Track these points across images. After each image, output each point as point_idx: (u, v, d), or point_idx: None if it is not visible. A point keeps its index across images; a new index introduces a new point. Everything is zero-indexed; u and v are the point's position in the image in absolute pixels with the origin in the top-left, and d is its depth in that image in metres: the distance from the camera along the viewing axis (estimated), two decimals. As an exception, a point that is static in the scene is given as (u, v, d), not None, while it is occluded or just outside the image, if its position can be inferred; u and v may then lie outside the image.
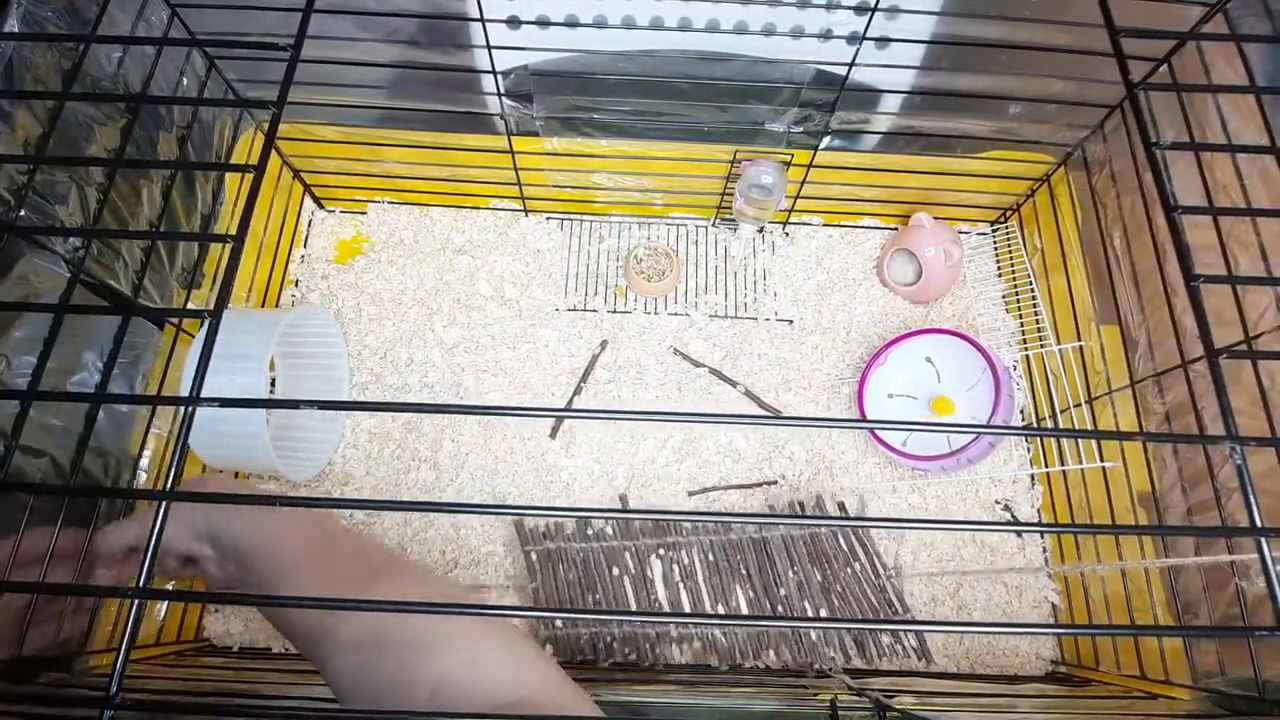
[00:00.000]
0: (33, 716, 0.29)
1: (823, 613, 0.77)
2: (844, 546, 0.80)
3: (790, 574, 0.78)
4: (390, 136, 0.88)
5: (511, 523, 0.81)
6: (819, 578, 0.79)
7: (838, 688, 0.66)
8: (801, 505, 0.83)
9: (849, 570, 0.79)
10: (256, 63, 0.76)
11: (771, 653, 0.76)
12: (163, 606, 0.74)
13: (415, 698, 0.36)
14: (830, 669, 0.75)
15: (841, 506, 0.84)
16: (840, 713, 0.53)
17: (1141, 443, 0.73)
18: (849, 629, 0.77)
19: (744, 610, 0.76)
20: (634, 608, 0.76)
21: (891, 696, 0.60)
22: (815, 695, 0.63)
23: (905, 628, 0.81)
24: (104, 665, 0.63)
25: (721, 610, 0.76)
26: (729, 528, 0.81)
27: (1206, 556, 0.61)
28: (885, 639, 0.76)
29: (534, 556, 0.79)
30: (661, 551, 0.79)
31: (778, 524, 0.78)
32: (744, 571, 0.79)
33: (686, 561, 0.79)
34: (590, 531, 0.81)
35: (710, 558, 0.79)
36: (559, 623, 0.75)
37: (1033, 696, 0.72)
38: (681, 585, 0.78)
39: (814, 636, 0.75)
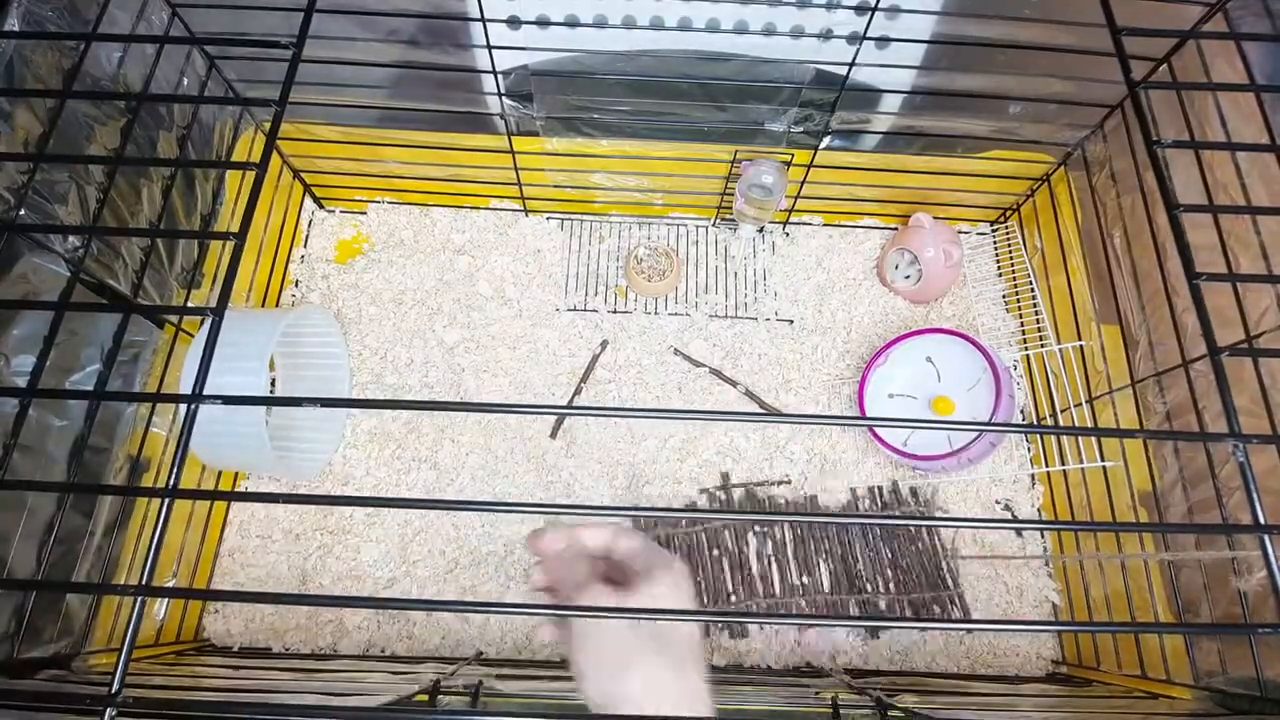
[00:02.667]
0: (35, 714, 0.29)
1: (891, 586, 0.82)
2: (911, 530, 0.86)
3: (867, 550, 0.84)
4: (390, 136, 0.88)
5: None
6: (888, 555, 0.83)
7: (839, 687, 0.65)
8: (880, 491, 0.87)
9: (914, 548, 0.84)
10: (256, 63, 0.76)
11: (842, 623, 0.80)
12: (163, 606, 0.74)
13: None
14: (831, 669, 0.75)
15: (915, 493, 0.87)
16: (842, 712, 0.53)
17: (1142, 442, 0.73)
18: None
19: (825, 581, 0.82)
20: (729, 587, 0.81)
21: (893, 696, 0.60)
22: (817, 694, 0.63)
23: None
24: (104, 664, 0.63)
25: (806, 582, 0.82)
26: (816, 509, 0.86)
27: (1208, 551, 0.61)
28: (936, 609, 0.81)
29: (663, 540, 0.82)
30: (757, 528, 0.84)
31: (859, 503, 0.87)
32: (826, 547, 0.84)
33: (778, 537, 0.84)
34: (682, 523, 0.84)
35: (799, 531, 0.84)
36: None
37: (1034, 696, 0.71)
38: (772, 559, 0.83)
39: (882, 605, 0.81)
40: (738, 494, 0.86)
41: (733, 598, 0.81)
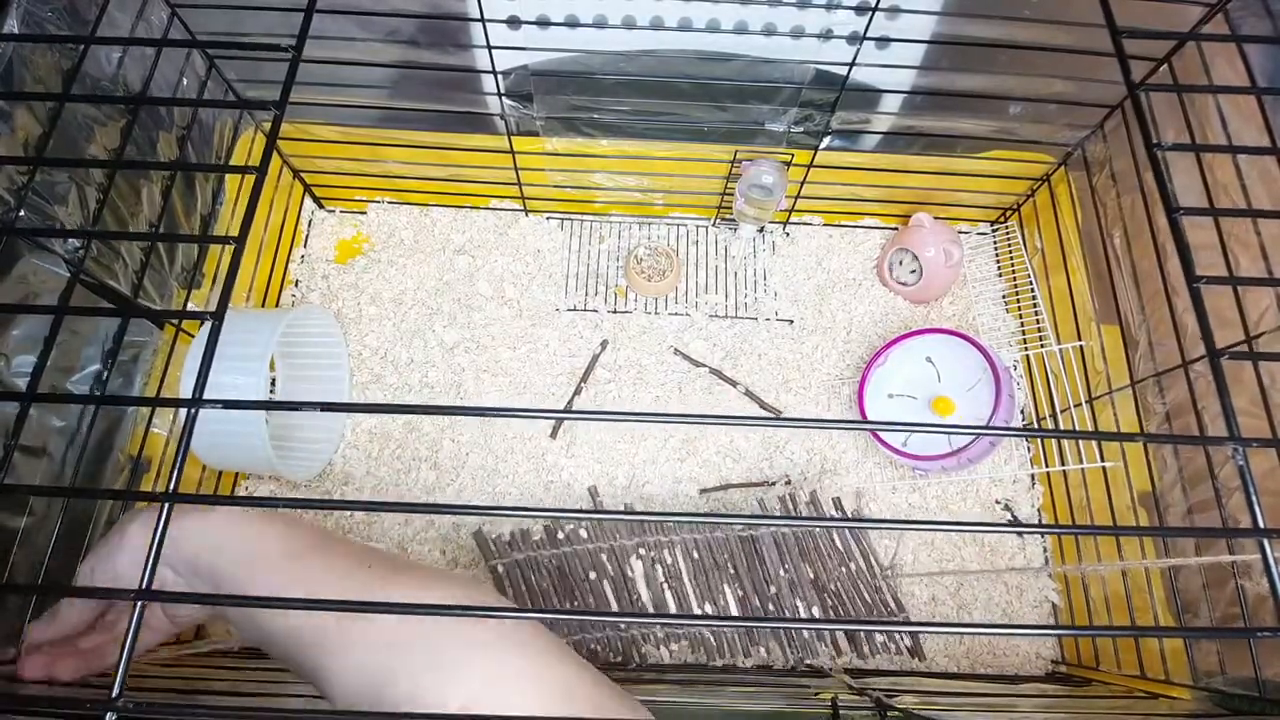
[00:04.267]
0: (35, 717, 0.29)
1: (815, 611, 0.76)
2: (839, 546, 0.78)
3: (781, 572, 0.76)
4: (390, 136, 0.88)
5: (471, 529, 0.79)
6: (811, 575, 0.77)
7: (838, 687, 0.66)
8: (793, 500, 0.81)
9: (844, 569, 0.77)
10: (256, 63, 0.76)
11: (762, 650, 0.75)
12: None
13: None
14: (831, 669, 0.75)
15: (838, 503, 0.82)
16: (841, 712, 0.53)
17: (1142, 443, 0.73)
18: (842, 629, 0.77)
19: (733, 610, 0.75)
20: (615, 610, 0.74)
21: (893, 696, 0.60)
22: (816, 695, 0.63)
23: (905, 629, 0.81)
24: (104, 666, 0.63)
25: (710, 610, 0.75)
26: (714, 526, 0.78)
27: (1207, 557, 0.61)
28: (879, 637, 0.75)
29: (501, 570, 0.76)
30: (642, 551, 0.77)
31: (770, 523, 0.78)
32: (732, 570, 0.77)
33: (670, 561, 0.77)
34: (561, 535, 0.78)
35: (695, 556, 0.77)
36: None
37: (1033, 696, 0.72)
38: (665, 586, 0.76)
39: (806, 634, 0.74)
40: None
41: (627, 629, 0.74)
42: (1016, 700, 0.69)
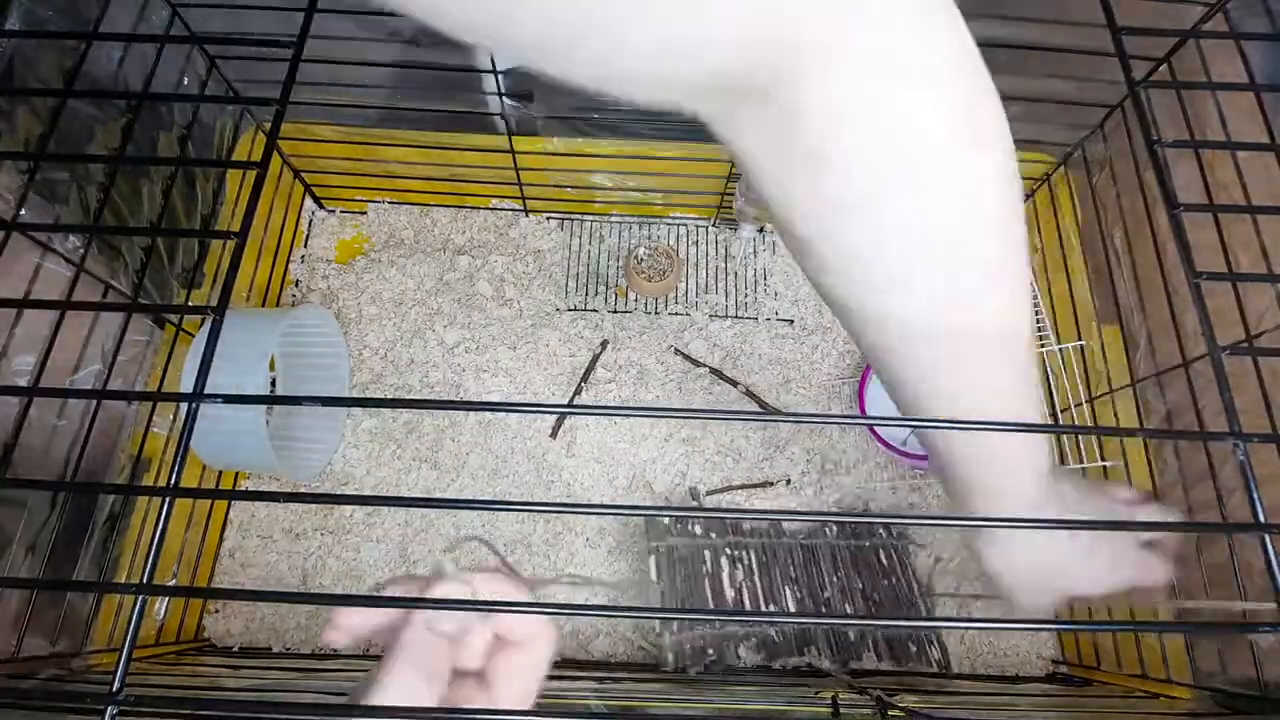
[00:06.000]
0: (36, 713, 0.29)
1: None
2: (884, 561, 0.80)
3: (834, 578, 0.79)
4: (390, 136, 0.88)
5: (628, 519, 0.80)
6: (860, 585, 0.79)
7: (839, 686, 0.66)
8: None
9: (887, 583, 0.79)
10: (257, 63, 0.76)
11: (814, 648, 0.76)
12: (163, 606, 0.74)
13: None
14: (831, 669, 0.75)
15: (887, 528, 0.84)
16: (842, 711, 0.53)
17: (1143, 441, 0.73)
18: (852, 626, 0.77)
19: (791, 608, 0.77)
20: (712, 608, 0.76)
21: (893, 695, 0.60)
22: (817, 694, 0.63)
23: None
24: (104, 664, 0.63)
25: (773, 609, 0.77)
26: (780, 532, 0.81)
27: (1217, 601, 0.61)
28: (912, 647, 0.76)
29: (662, 550, 0.77)
30: (728, 550, 0.79)
31: (826, 529, 0.82)
32: (792, 573, 0.79)
33: (746, 562, 0.79)
34: (687, 527, 0.79)
35: (764, 558, 0.80)
36: (674, 625, 0.73)
37: (1033, 696, 0.72)
38: (744, 584, 0.78)
39: (852, 636, 0.76)
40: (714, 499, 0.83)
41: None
42: (1017, 700, 0.69)
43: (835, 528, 0.82)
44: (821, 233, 0.33)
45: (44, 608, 0.59)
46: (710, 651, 0.74)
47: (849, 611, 0.78)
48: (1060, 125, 0.82)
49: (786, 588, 0.78)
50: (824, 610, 0.77)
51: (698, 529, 0.79)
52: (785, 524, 0.82)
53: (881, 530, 0.82)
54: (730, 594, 0.77)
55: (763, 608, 0.76)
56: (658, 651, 0.73)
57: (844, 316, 0.36)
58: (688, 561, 0.77)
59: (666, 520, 0.79)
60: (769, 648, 0.76)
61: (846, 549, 0.80)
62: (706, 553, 0.78)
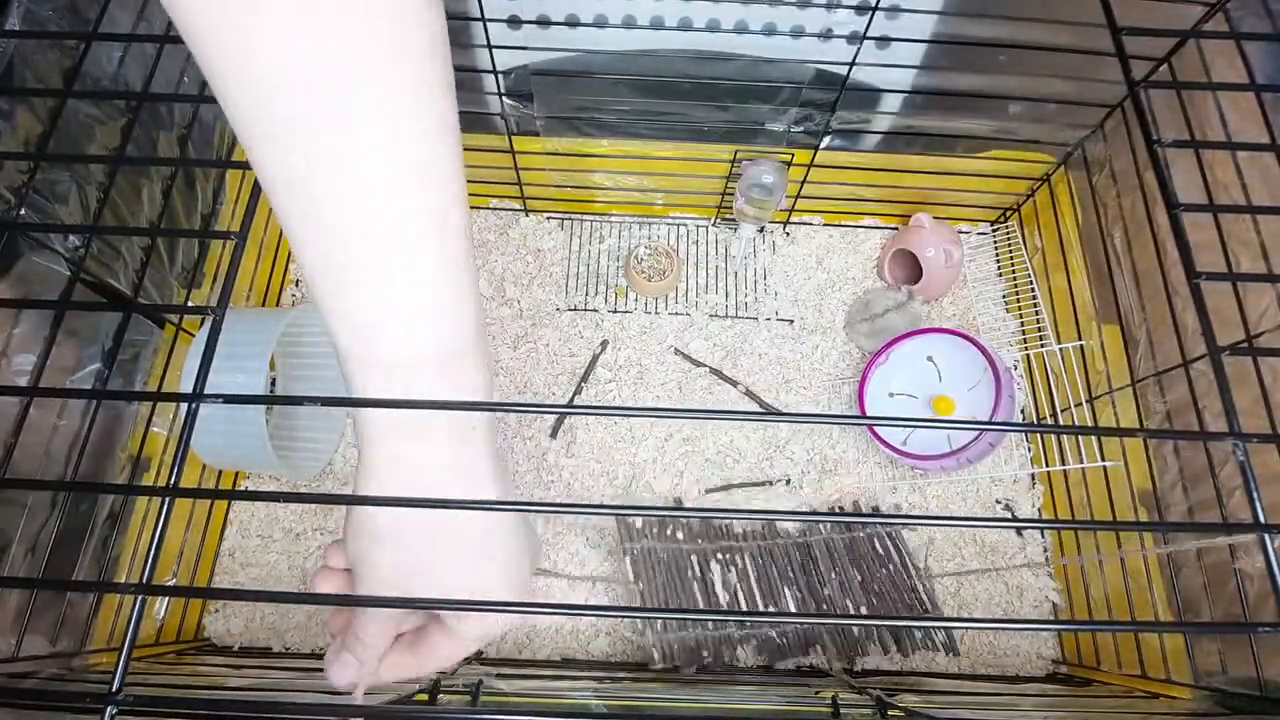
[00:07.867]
0: (35, 713, 0.29)
1: (863, 611, 0.78)
2: (879, 550, 0.81)
3: (832, 575, 0.79)
4: (391, 136, 0.88)
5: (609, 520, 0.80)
6: (859, 578, 0.79)
7: (839, 686, 0.66)
8: (841, 509, 0.84)
9: (884, 571, 0.80)
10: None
11: (819, 648, 0.76)
12: (163, 605, 0.74)
13: None
14: (831, 669, 0.75)
15: (877, 510, 0.85)
16: (842, 711, 0.53)
17: (1143, 441, 0.73)
18: (850, 624, 0.77)
19: (792, 608, 0.78)
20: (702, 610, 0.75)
21: (893, 695, 0.60)
22: (817, 694, 0.63)
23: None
24: (104, 663, 0.63)
25: (773, 609, 0.77)
26: (775, 532, 0.81)
27: (1207, 543, 0.61)
28: (917, 634, 0.77)
29: (636, 553, 0.77)
30: (719, 555, 0.79)
31: (820, 525, 0.82)
32: (790, 574, 0.79)
33: (740, 565, 0.79)
34: (667, 532, 0.80)
35: (760, 560, 0.80)
36: (659, 625, 0.74)
37: (1034, 696, 0.71)
38: (739, 587, 0.78)
39: (856, 633, 0.76)
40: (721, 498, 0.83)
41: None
42: (1017, 700, 0.69)
43: (828, 523, 0.82)
44: None
45: (44, 607, 0.59)
46: (705, 653, 0.74)
47: (849, 606, 0.78)
48: (1060, 125, 0.82)
49: (786, 588, 0.78)
50: (824, 608, 0.77)
51: (680, 535, 0.79)
52: (780, 524, 0.82)
53: (875, 522, 0.82)
54: (724, 597, 0.77)
55: (760, 608, 0.76)
56: (643, 650, 0.73)
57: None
58: (669, 565, 0.77)
59: (640, 523, 0.79)
60: (771, 650, 0.76)
61: (841, 542, 0.81)
62: (694, 557, 0.78)
